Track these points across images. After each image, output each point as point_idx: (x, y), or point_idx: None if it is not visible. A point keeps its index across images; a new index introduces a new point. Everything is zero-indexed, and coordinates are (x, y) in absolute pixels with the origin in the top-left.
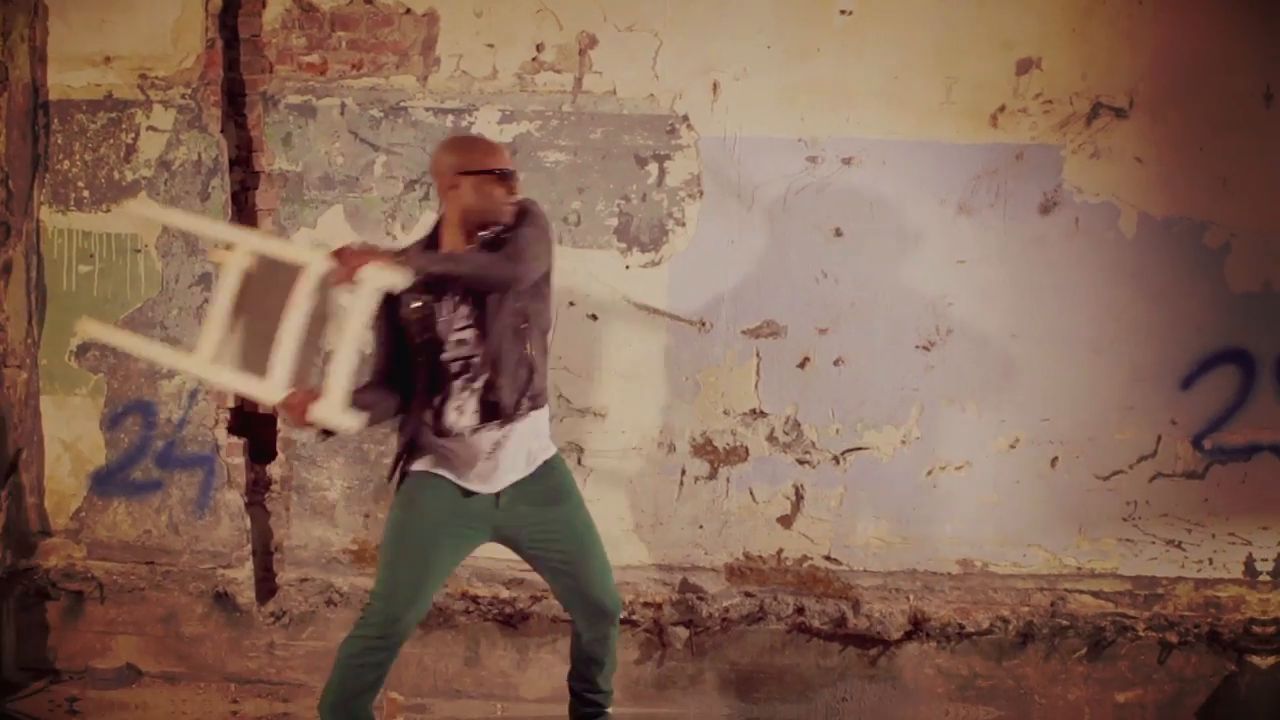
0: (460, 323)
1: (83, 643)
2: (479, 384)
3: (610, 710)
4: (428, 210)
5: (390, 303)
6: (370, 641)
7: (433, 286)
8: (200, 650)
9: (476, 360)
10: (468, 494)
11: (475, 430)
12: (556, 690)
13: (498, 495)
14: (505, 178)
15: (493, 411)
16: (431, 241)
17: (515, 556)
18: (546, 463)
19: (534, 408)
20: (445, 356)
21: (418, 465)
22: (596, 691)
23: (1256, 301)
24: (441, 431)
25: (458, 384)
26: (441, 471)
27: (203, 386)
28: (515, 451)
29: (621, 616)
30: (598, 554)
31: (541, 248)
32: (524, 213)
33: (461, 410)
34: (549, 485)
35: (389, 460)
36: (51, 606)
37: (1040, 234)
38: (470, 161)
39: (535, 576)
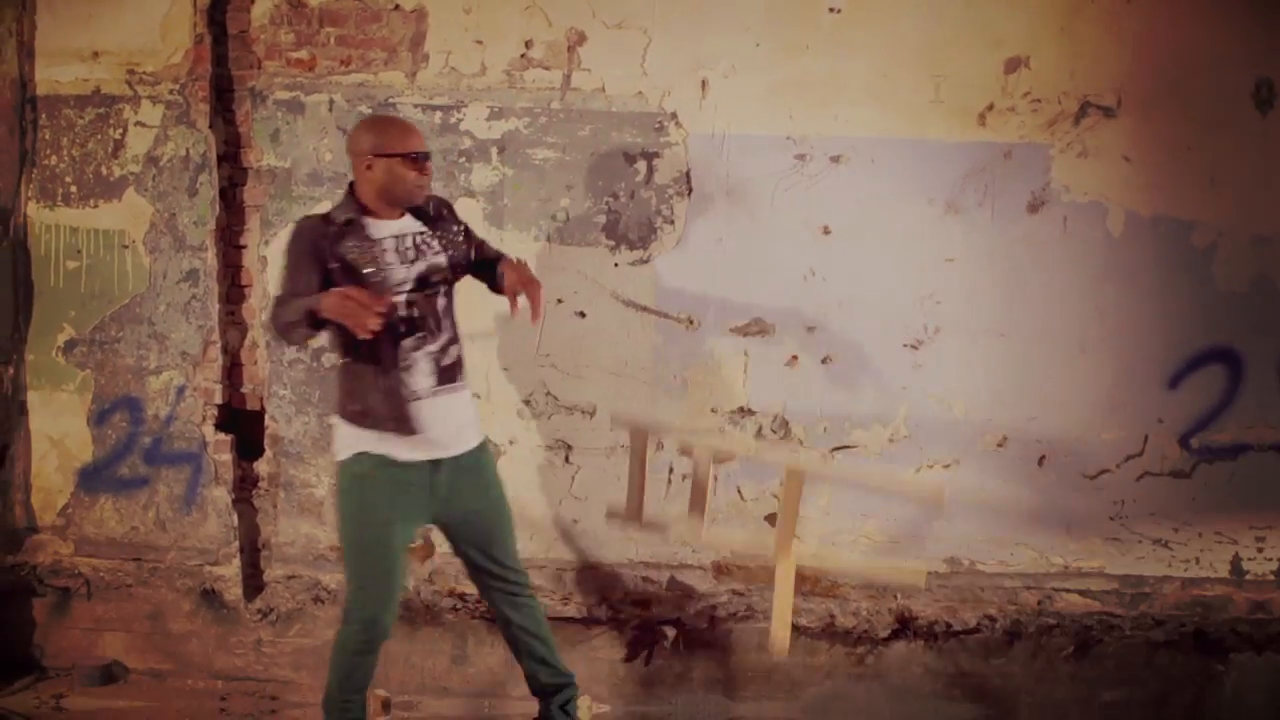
0: (410, 284)
1: (70, 639)
2: (434, 346)
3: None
4: None
5: (325, 238)
6: (358, 644)
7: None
8: (187, 647)
9: (430, 321)
10: (408, 468)
11: (433, 392)
12: None
13: (437, 464)
14: (418, 161)
15: (449, 375)
16: (354, 209)
17: None
18: (481, 444)
19: (463, 381)
20: (399, 314)
21: (358, 444)
22: (559, 669)
23: (1244, 301)
24: (396, 394)
25: (408, 343)
26: (383, 450)
27: (190, 383)
28: (460, 422)
29: (609, 616)
30: (512, 530)
31: None
32: (455, 214)
33: (413, 372)
34: (484, 464)
35: None
36: (38, 603)
37: (1028, 233)
38: (385, 144)
39: None
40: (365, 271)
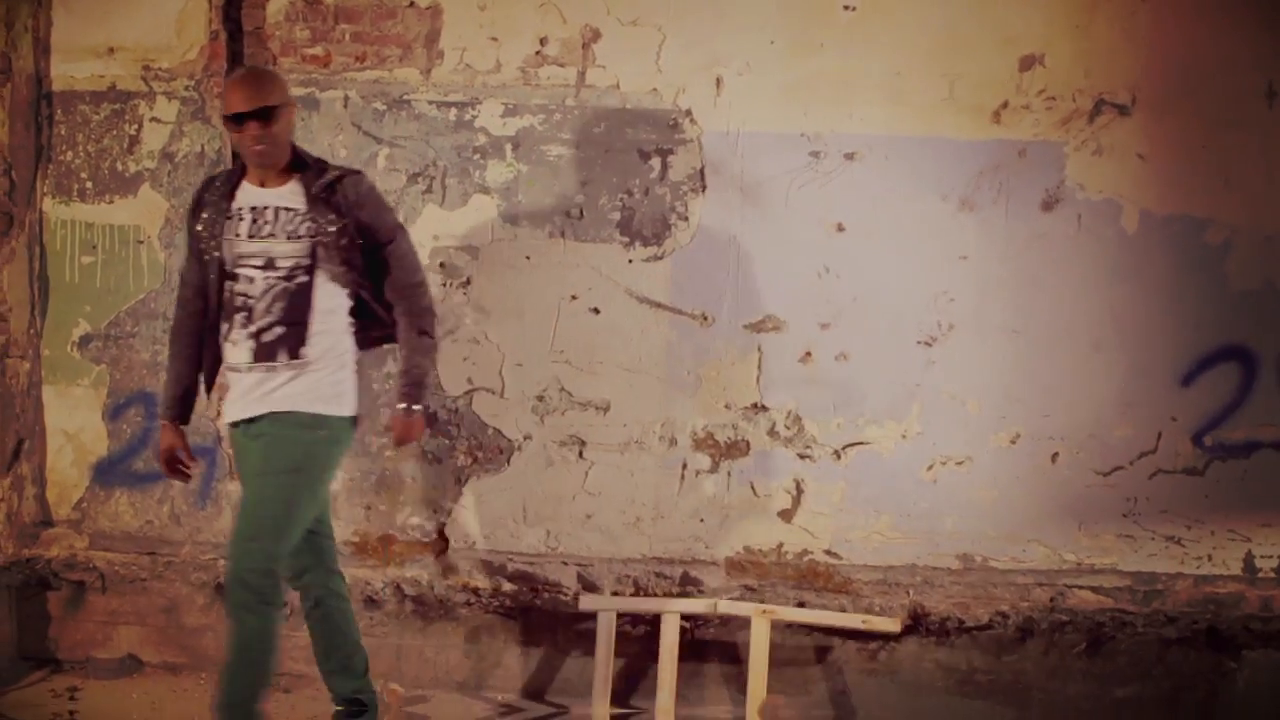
0: (253, 260)
1: (84, 633)
2: (253, 326)
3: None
4: (430, 203)
5: (195, 211)
6: None
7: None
8: (201, 641)
9: (254, 302)
10: (235, 428)
11: (249, 368)
12: (558, 683)
13: (239, 424)
14: (239, 121)
15: (267, 352)
16: (237, 176)
17: (516, 549)
18: (277, 415)
19: (298, 358)
20: (235, 288)
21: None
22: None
23: (1257, 299)
24: (219, 365)
25: (238, 319)
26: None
27: None
28: (267, 394)
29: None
30: (270, 523)
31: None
32: (378, 200)
33: (237, 347)
34: (273, 435)
35: (391, 453)
36: (53, 596)
37: (1042, 230)
38: (223, 105)
39: (536, 569)
40: (198, 249)
